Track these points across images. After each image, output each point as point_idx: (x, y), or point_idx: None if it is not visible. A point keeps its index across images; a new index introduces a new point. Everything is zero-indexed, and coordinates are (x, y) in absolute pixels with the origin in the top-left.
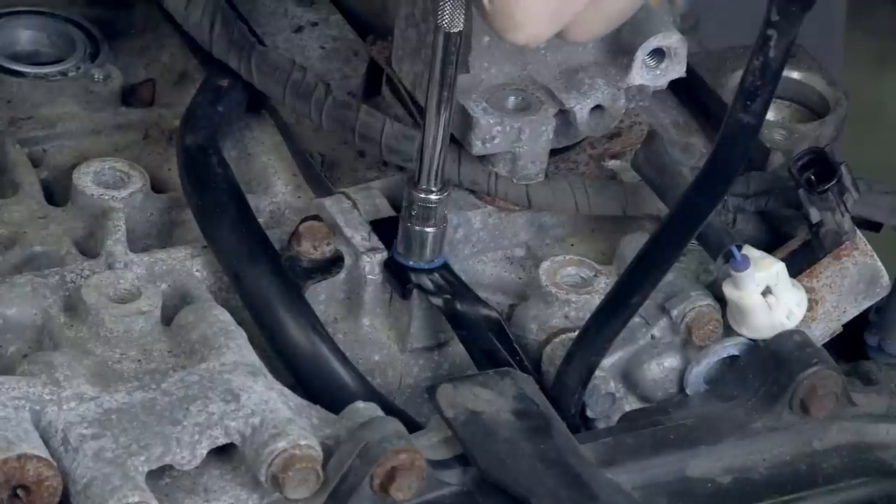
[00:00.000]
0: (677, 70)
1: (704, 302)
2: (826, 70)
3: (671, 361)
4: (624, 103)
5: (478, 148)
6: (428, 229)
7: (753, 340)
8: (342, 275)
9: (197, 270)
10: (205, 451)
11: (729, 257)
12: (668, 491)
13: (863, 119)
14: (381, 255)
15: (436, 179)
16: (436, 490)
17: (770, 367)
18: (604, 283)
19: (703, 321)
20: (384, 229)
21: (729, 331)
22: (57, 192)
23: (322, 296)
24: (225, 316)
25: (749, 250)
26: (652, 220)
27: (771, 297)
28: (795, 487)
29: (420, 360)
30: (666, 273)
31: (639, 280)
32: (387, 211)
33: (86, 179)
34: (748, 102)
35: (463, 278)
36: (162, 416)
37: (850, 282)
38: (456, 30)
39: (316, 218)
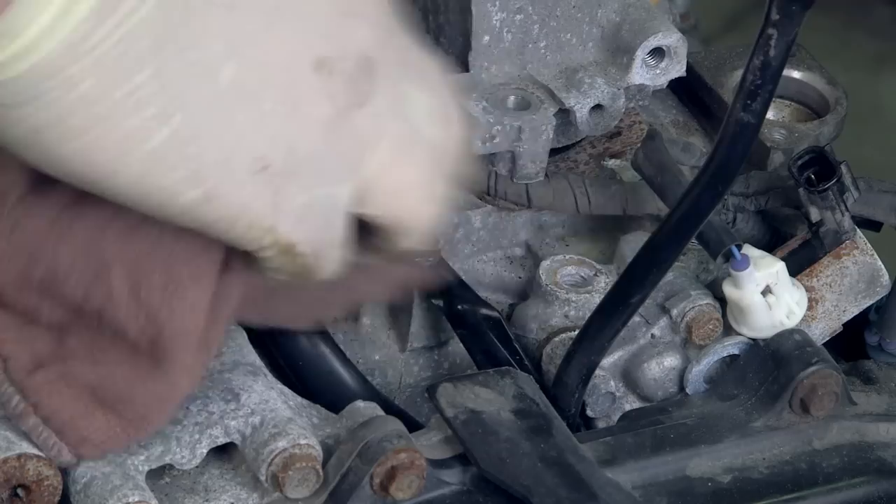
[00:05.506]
0: (677, 69)
1: (704, 301)
2: (826, 69)
3: (671, 361)
4: (624, 102)
5: (478, 147)
6: None
7: (753, 340)
8: None
9: None
10: (205, 451)
11: (729, 256)
12: (668, 490)
13: (863, 119)
14: None
15: None
16: (436, 489)
17: (770, 366)
18: (604, 283)
19: (703, 320)
20: None
21: (729, 330)
22: None
23: None
24: None
25: (749, 249)
26: (652, 219)
27: (771, 297)
28: (795, 487)
29: (420, 359)
30: (666, 272)
31: (639, 279)
32: None
33: None
34: (748, 101)
35: (463, 278)
36: None
37: (850, 281)
38: None
39: None
